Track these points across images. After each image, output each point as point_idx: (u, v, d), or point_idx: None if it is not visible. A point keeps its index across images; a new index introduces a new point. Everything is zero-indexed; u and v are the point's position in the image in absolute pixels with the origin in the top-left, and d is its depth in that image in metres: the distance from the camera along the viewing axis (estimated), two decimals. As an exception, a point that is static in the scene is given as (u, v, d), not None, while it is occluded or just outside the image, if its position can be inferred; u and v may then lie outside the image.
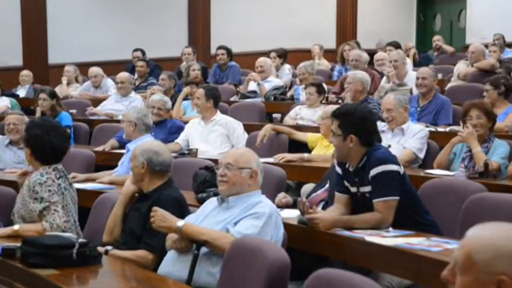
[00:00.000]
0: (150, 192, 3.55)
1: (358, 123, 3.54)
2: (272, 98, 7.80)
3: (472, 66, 7.63)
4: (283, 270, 2.61)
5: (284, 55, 9.51)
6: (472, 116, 4.60)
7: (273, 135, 5.87)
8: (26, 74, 9.71)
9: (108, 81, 9.01)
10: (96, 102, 8.24)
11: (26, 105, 8.59)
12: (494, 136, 4.66)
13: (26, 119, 6.03)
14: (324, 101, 6.77)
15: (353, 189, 3.59)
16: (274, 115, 7.13)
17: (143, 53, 10.08)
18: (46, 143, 3.67)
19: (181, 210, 3.40)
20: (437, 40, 11.15)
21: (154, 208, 3.18)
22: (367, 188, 3.51)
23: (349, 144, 3.51)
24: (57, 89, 8.44)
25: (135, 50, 10.08)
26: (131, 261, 3.24)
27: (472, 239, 1.59)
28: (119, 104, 7.86)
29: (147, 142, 3.87)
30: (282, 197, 4.14)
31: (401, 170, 3.53)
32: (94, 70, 9.02)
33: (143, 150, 3.61)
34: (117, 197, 3.86)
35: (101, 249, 3.23)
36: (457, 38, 12.94)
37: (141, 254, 3.33)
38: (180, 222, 3.10)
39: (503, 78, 5.93)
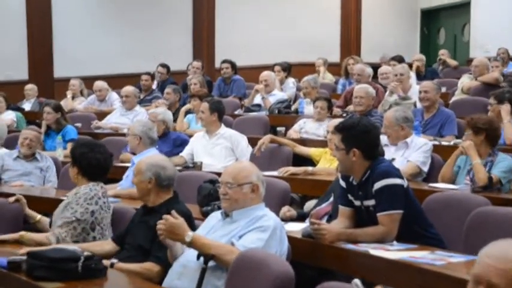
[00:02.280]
0: (157, 206, 3.55)
1: (360, 136, 3.54)
2: (276, 111, 7.83)
3: (476, 80, 7.64)
4: (288, 283, 2.62)
5: (288, 68, 9.55)
6: (468, 132, 4.68)
7: (276, 148, 5.89)
8: (30, 87, 9.77)
9: (113, 95, 9.06)
10: (101, 115, 8.28)
11: (31, 119, 8.64)
12: (498, 151, 4.68)
13: (42, 137, 6.12)
14: (328, 115, 6.80)
15: (357, 203, 3.60)
16: (278, 128, 7.16)
17: (168, 69, 10.00)
18: (92, 160, 3.89)
19: (191, 225, 3.41)
20: (442, 54, 11.17)
21: (165, 217, 3.11)
22: (371, 202, 3.51)
23: (352, 158, 3.52)
24: (63, 103, 8.47)
25: (161, 66, 9.94)
26: (137, 273, 3.24)
27: (492, 260, 1.55)
28: (123, 117, 7.89)
29: (151, 156, 3.88)
30: (286, 210, 4.15)
31: (405, 183, 3.54)
32: (99, 84, 9.06)
33: (150, 165, 3.61)
34: (122, 209, 3.89)
35: (106, 262, 3.23)
36: (461, 52, 12.97)
37: (147, 266, 3.32)
38: (188, 237, 3.07)
39: (508, 93, 5.93)
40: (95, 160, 3.89)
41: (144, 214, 3.60)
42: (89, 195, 3.76)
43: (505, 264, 1.54)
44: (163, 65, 9.92)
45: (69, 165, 4.03)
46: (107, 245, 3.65)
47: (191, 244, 3.06)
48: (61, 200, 4.65)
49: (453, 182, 4.68)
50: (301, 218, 4.16)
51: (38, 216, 4.30)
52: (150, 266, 3.32)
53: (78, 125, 7.56)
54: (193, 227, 3.34)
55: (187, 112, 7.57)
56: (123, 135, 6.51)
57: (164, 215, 3.13)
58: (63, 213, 3.76)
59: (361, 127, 3.58)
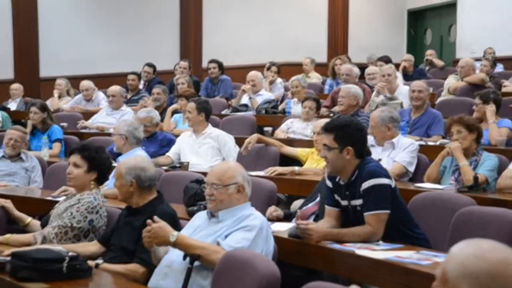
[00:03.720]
0: (141, 207, 3.53)
1: (355, 134, 3.56)
2: (263, 111, 7.83)
3: (462, 80, 7.68)
4: (274, 283, 2.61)
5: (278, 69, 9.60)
6: (453, 131, 4.69)
7: (263, 148, 5.89)
8: (16, 87, 9.70)
9: (100, 95, 9.03)
10: (88, 115, 8.25)
11: (17, 119, 8.59)
12: (482, 149, 4.71)
13: (28, 137, 6.06)
14: (316, 115, 6.80)
15: (344, 203, 3.60)
16: (266, 128, 7.15)
17: (154, 68, 9.95)
18: (110, 167, 4.01)
19: (176, 225, 3.39)
20: (429, 55, 11.23)
21: (149, 221, 3.10)
22: (358, 202, 3.52)
23: (345, 156, 3.51)
24: (49, 102, 8.45)
25: (148, 65, 9.91)
26: (122, 274, 3.22)
27: (449, 255, 1.61)
28: (110, 117, 7.87)
29: (130, 159, 3.83)
30: (273, 210, 4.14)
31: (393, 183, 3.55)
32: (85, 83, 9.03)
33: (129, 168, 3.58)
34: (109, 210, 3.86)
35: (91, 262, 3.21)
36: (447, 53, 13.04)
37: (132, 267, 3.31)
38: (172, 237, 3.06)
39: (493, 93, 5.97)
40: (109, 167, 3.98)
41: (128, 215, 3.58)
42: (92, 205, 3.73)
43: (447, 256, 1.62)
44: (150, 65, 9.88)
45: (83, 170, 3.85)
46: (92, 246, 3.63)
47: (176, 244, 3.05)
48: (46, 201, 4.67)
49: (439, 182, 4.71)
50: (287, 217, 4.15)
51: (28, 219, 4.24)
52: (135, 268, 3.31)
53: (64, 124, 7.53)
54: (178, 227, 3.33)
55: (174, 112, 7.56)
56: (109, 134, 6.48)
57: (148, 220, 3.11)
58: (62, 215, 3.72)
59: (355, 125, 3.61)
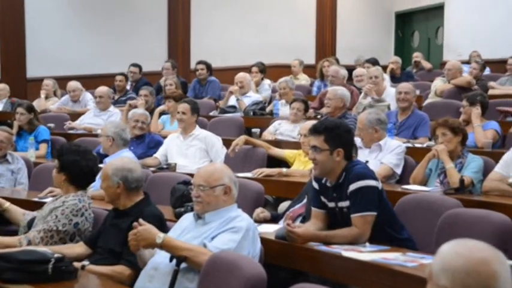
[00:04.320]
0: (128, 209, 3.52)
1: (345, 136, 3.58)
2: (251, 113, 7.82)
3: (449, 82, 7.72)
4: (260, 285, 2.61)
5: (264, 70, 9.57)
6: (438, 134, 4.71)
7: (251, 149, 5.89)
8: (2, 87, 9.62)
9: (87, 95, 8.99)
10: (75, 116, 8.21)
11: (3, 119, 8.51)
12: (467, 152, 4.73)
13: (14, 138, 6.00)
14: (304, 117, 6.80)
15: (331, 205, 3.60)
16: (253, 130, 7.14)
17: (140, 68, 9.94)
18: (85, 168, 3.81)
19: (162, 227, 3.38)
20: (416, 57, 11.29)
21: (135, 224, 3.10)
22: (345, 203, 3.52)
23: (335, 158, 3.52)
24: (35, 103, 8.40)
25: (133, 65, 9.87)
26: (108, 276, 3.21)
27: (437, 253, 1.64)
28: (97, 118, 7.84)
29: (116, 160, 3.81)
30: (260, 211, 4.14)
31: (380, 185, 3.56)
32: (73, 84, 8.98)
33: (116, 169, 3.55)
34: (96, 212, 3.84)
35: (77, 264, 3.19)
36: (435, 55, 13.10)
37: (119, 269, 3.30)
38: (159, 239, 3.05)
39: (480, 95, 6.00)
40: (87, 168, 3.83)
41: (115, 217, 3.56)
42: (77, 207, 3.69)
43: (441, 252, 1.64)
44: (135, 65, 9.86)
45: (55, 170, 3.89)
46: (78, 247, 3.61)
47: (162, 246, 3.04)
48: (33, 202, 4.64)
49: (425, 184, 4.72)
50: (275, 219, 4.16)
51: (6, 204, 4.19)
52: (122, 269, 3.30)
53: (51, 125, 7.49)
54: (165, 229, 3.32)
55: (161, 113, 7.54)
56: (97, 135, 6.46)
57: (134, 222, 3.09)
58: (46, 218, 3.69)
59: (344, 127, 3.64)
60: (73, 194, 3.78)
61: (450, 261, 1.58)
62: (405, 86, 6.45)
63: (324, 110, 6.50)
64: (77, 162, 3.80)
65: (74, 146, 4.02)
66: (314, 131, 3.61)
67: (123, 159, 3.83)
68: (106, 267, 3.31)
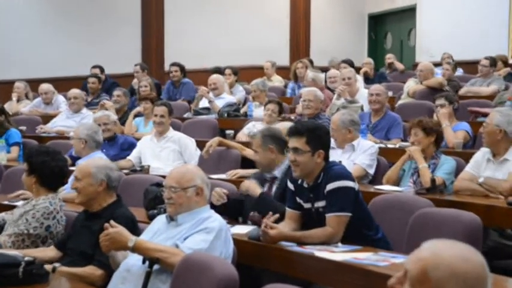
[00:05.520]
0: (100, 211, 3.49)
1: (324, 137, 3.61)
2: (225, 114, 7.82)
3: (421, 83, 7.79)
4: (232, 286, 2.62)
5: (236, 72, 9.59)
6: (411, 134, 4.76)
7: (224, 151, 5.89)
8: (-28, 90, 9.54)
9: (60, 98, 8.92)
10: (47, 118, 8.14)
11: (-26, 122, 8.40)
12: (441, 153, 4.78)
13: None
14: (279, 119, 6.79)
15: (307, 205, 3.60)
16: (228, 131, 7.15)
17: (102, 70, 9.94)
18: (55, 169, 3.77)
19: (135, 230, 3.37)
20: (388, 58, 11.39)
21: (106, 225, 3.08)
22: (322, 203, 3.52)
23: (316, 159, 3.52)
24: (7, 106, 8.30)
25: (94, 67, 9.89)
26: (79, 277, 3.19)
27: (431, 255, 1.60)
28: (70, 120, 7.78)
29: (97, 159, 3.82)
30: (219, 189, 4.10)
31: (356, 186, 3.58)
32: (45, 87, 8.90)
33: (99, 167, 3.54)
34: (69, 214, 3.81)
35: (48, 266, 3.16)
36: (407, 56, 13.22)
37: (89, 269, 3.28)
38: (131, 242, 3.03)
39: (450, 96, 6.06)
40: (57, 168, 3.79)
41: (86, 219, 3.54)
42: (48, 210, 3.66)
43: (425, 255, 1.61)
44: (96, 66, 9.83)
45: (25, 174, 3.85)
46: (50, 250, 3.58)
47: (134, 249, 3.03)
48: (2, 205, 4.59)
49: (398, 184, 4.77)
50: (232, 202, 4.13)
51: None
52: (92, 270, 3.28)
53: (23, 128, 7.41)
54: (137, 231, 3.31)
55: (135, 115, 7.50)
56: (69, 138, 6.40)
57: (105, 223, 3.08)
58: (17, 222, 3.65)
59: (324, 128, 3.67)
60: (43, 197, 3.74)
61: (461, 268, 1.57)
62: (377, 88, 6.49)
63: (305, 111, 6.45)
64: (46, 163, 3.77)
65: (43, 148, 3.99)
66: (295, 132, 3.58)
67: (102, 158, 3.82)
68: (77, 268, 3.28)
